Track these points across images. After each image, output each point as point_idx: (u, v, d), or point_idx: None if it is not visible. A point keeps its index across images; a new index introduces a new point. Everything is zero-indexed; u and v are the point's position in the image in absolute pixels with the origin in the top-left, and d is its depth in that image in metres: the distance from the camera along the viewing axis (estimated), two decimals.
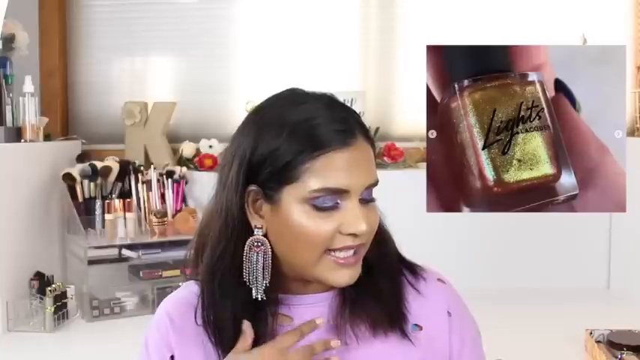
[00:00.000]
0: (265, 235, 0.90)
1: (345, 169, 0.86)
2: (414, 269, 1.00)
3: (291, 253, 0.89)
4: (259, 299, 0.89)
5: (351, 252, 0.88)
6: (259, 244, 0.89)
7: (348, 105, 0.94)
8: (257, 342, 0.90)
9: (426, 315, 0.96)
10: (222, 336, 0.91)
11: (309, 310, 0.94)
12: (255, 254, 0.89)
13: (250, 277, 0.89)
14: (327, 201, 0.86)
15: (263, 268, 0.89)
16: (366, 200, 0.89)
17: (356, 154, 0.87)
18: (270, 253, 0.90)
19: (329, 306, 0.95)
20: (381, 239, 0.95)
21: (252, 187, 0.88)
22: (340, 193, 0.86)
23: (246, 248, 0.90)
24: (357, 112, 0.93)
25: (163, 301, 0.99)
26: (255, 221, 0.90)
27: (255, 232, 0.90)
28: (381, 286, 0.94)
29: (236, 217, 0.90)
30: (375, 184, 0.90)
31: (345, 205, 0.87)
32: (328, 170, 0.86)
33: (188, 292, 0.97)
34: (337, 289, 0.94)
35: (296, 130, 0.87)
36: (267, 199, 0.88)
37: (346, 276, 0.89)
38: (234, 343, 0.90)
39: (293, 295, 0.94)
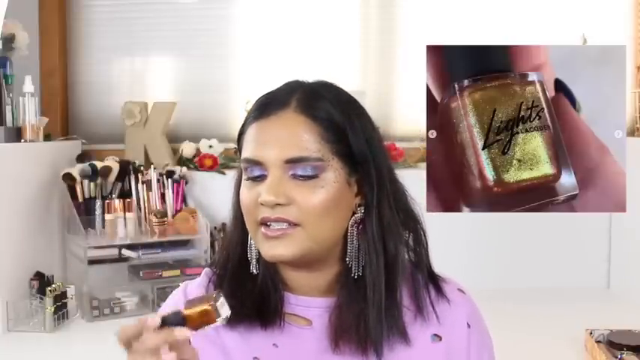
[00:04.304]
0: None
1: (257, 140, 0.88)
2: (436, 282, 0.97)
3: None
4: (255, 272, 0.91)
5: (281, 225, 0.85)
6: None
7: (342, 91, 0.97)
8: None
9: (445, 326, 0.94)
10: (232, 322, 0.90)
11: (328, 314, 0.92)
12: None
13: (248, 253, 0.92)
14: (254, 171, 0.88)
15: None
16: (301, 176, 0.86)
17: (273, 126, 0.88)
18: None
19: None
20: (383, 247, 0.90)
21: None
22: (257, 164, 0.87)
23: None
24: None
25: (184, 283, 1.00)
26: None
27: None
28: (371, 296, 0.89)
29: (238, 196, 0.93)
30: (300, 159, 0.85)
31: (268, 176, 0.87)
32: (248, 141, 0.90)
33: (206, 277, 0.97)
34: (336, 293, 0.92)
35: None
36: None
37: (270, 249, 0.86)
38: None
39: (311, 298, 0.93)
